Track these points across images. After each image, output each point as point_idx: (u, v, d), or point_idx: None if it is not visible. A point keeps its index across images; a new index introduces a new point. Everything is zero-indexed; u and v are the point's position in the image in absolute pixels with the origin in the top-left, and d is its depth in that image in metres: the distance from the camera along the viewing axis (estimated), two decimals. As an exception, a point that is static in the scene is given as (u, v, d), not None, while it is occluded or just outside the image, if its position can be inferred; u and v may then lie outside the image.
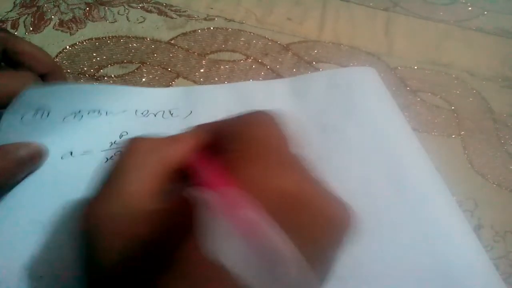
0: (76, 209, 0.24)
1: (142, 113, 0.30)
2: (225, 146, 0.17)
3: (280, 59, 0.38)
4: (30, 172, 0.25)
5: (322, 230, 0.15)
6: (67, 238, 0.23)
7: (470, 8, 0.49)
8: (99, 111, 0.28)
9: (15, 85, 0.24)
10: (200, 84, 0.35)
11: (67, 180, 0.25)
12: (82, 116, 0.27)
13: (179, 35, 0.39)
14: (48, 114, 0.25)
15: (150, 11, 0.41)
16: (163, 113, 0.30)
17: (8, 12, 0.38)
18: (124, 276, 0.15)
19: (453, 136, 0.35)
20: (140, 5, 0.41)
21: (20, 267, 0.22)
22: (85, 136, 0.27)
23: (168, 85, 0.34)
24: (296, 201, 0.15)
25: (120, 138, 0.28)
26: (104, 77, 0.34)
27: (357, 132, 0.30)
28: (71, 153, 0.26)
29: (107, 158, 0.27)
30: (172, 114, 0.30)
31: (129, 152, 0.18)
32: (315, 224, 0.14)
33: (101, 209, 0.17)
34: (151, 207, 0.16)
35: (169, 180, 0.18)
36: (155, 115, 0.30)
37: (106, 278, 0.16)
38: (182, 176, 0.18)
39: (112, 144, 0.27)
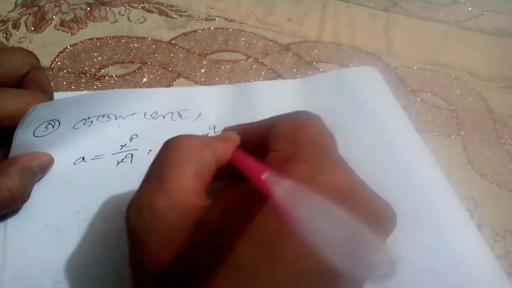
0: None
1: (151, 115, 0.30)
2: (274, 146, 0.17)
3: (280, 59, 0.38)
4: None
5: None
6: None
7: (470, 8, 0.49)
8: (108, 115, 0.28)
9: (25, 103, 0.24)
10: (201, 84, 0.35)
11: (80, 184, 0.25)
12: (91, 122, 0.27)
13: (179, 35, 0.39)
14: (59, 124, 0.25)
15: (151, 11, 0.41)
16: (172, 115, 0.30)
17: (9, 12, 0.39)
18: (172, 271, 0.15)
19: (453, 136, 0.35)
20: (141, 5, 0.41)
21: (36, 272, 0.22)
22: (95, 141, 0.27)
23: (169, 85, 0.35)
24: (349, 199, 0.15)
25: (130, 141, 0.28)
26: (105, 77, 0.34)
27: (364, 131, 0.30)
28: (83, 158, 0.26)
29: (118, 162, 0.27)
30: (181, 116, 0.30)
31: (174, 149, 0.18)
32: (365, 222, 0.15)
33: (149, 204, 0.17)
34: (199, 203, 0.17)
35: (212, 178, 0.18)
36: (164, 117, 0.30)
37: (153, 275, 0.16)
38: (223, 174, 0.19)
39: (122, 147, 0.27)
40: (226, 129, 0.22)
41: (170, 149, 0.19)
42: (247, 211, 0.14)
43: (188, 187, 0.17)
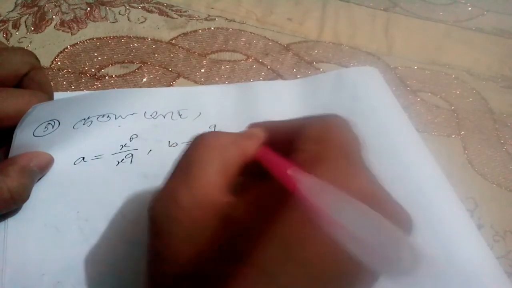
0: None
1: (151, 115, 0.30)
2: (301, 145, 0.18)
3: (280, 59, 0.38)
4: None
5: None
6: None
7: (470, 8, 0.49)
8: (108, 115, 0.28)
9: (26, 103, 0.24)
10: (201, 84, 0.35)
11: (80, 184, 0.25)
12: (91, 121, 0.27)
13: (179, 35, 0.39)
14: (59, 124, 0.25)
15: (151, 11, 0.41)
16: (172, 114, 0.30)
17: (9, 12, 0.39)
18: (193, 264, 0.15)
19: (453, 136, 0.35)
20: (141, 5, 0.41)
21: (36, 272, 0.22)
22: (95, 141, 0.27)
23: (169, 85, 0.35)
24: (373, 202, 0.15)
25: (130, 141, 0.28)
26: (105, 77, 0.34)
27: (364, 131, 0.30)
28: (83, 158, 0.26)
29: (118, 161, 0.27)
30: (181, 115, 0.30)
31: (201, 146, 0.19)
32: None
33: (175, 198, 0.17)
34: (223, 199, 0.17)
35: (237, 175, 0.19)
36: (164, 117, 0.30)
37: (173, 268, 0.16)
38: (248, 171, 0.19)
39: (122, 147, 0.28)
40: (252, 126, 0.22)
41: (197, 146, 0.19)
42: (270, 210, 0.15)
43: (213, 184, 0.17)
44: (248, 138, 0.20)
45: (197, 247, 0.16)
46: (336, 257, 0.13)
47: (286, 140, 0.19)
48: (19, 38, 0.36)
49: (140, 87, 0.34)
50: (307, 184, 0.14)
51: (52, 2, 0.40)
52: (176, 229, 0.16)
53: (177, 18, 0.41)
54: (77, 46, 0.36)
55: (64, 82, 0.33)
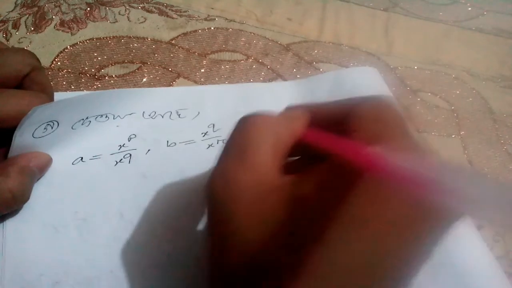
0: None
1: (150, 115, 0.30)
2: (358, 125, 0.17)
3: (280, 59, 0.38)
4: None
5: None
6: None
7: (469, 8, 0.49)
8: (106, 115, 0.28)
9: (26, 104, 0.24)
10: (201, 84, 0.35)
11: (78, 184, 0.25)
12: (90, 122, 0.27)
13: (179, 35, 0.39)
14: (58, 125, 0.25)
15: (151, 11, 0.41)
16: (170, 114, 0.30)
17: (9, 12, 0.39)
18: (260, 243, 0.15)
19: (453, 136, 0.35)
20: (141, 5, 0.41)
21: (34, 273, 0.22)
22: (94, 141, 0.27)
23: (169, 85, 0.35)
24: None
25: (128, 141, 0.28)
26: (105, 77, 0.34)
27: None
28: (82, 159, 0.26)
29: (116, 162, 0.27)
30: (179, 115, 0.30)
31: (251, 126, 0.18)
32: None
33: (234, 177, 0.17)
34: (281, 178, 0.17)
35: (286, 155, 0.18)
36: (162, 116, 0.30)
37: (239, 247, 0.15)
38: (294, 151, 0.19)
39: (121, 147, 0.28)
40: (291, 108, 0.21)
41: (247, 126, 0.19)
42: (339, 188, 0.14)
43: (269, 163, 0.17)
44: (295, 119, 0.20)
45: (262, 227, 0.15)
46: (413, 227, 0.13)
47: (330, 122, 0.18)
48: (19, 38, 0.36)
49: (140, 87, 0.34)
50: (391, 157, 0.14)
51: (52, 2, 0.40)
52: (240, 210, 0.16)
53: (177, 18, 0.41)
54: (77, 46, 0.36)
55: (64, 82, 0.33)
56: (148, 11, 0.41)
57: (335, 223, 0.14)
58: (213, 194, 0.17)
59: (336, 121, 0.18)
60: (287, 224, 0.15)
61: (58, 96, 0.28)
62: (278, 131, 0.19)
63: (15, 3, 0.39)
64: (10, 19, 0.38)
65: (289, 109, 0.21)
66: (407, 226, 0.13)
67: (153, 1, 0.42)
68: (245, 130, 0.18)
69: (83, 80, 0.34)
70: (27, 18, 0.38)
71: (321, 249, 0.13)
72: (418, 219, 0.13)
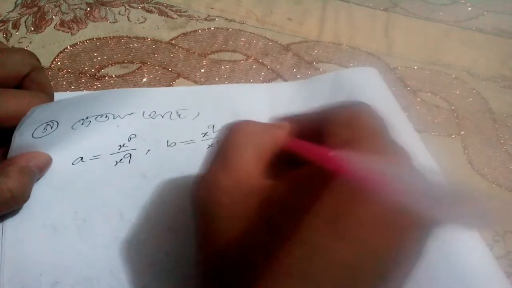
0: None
1: (150, 115, 0.30)
2: (332, 131, 0.18)
3: (280, 59, 0.38)
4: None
5: None
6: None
7: (470, 8, 0.49)
8: (106, 115, 0.28)
9: (27, 104, 0.24)
10: (201, 84, 0.35)
11: (78, 184, 0.25)
12: (90, 121, 0.27)
13: (179, 35, 0.39)
14: (58, 125, 0.25)
15: (151, 11, 0.41)
16: (170, 114, 0.30)
17: (9, 12, 0.39)
18: (236, 243, 0.16)
19: (453, 136, 0.35)
20: (141, 6, 0.41)
21: (34, 272, 0.22)
22: (94, 141, 0.27)
23: (169, 85, 0.35)
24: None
25: (128, 141, 0.28)
26: (105, 77, 0.34)
27: None
28: (82, 159, 0.26)
29: (116, 162, 0.27)
30: (179, 115, 0.30)
31: (236, 132, 0.20)
32: None
33: (215, 181, 0.18)
34: (261, 182, 0.18)
35: (270, 163, 0.19)
36: (162, 116, 0.30)
37: (218, 247, 0.17)
38: (277, 162, 0.20)
39: (121, 147, 0.28)
40: (276, 119, 0.22)
41: (232, 132, 0.20)
42: (313, 190, 0.15)
43: (250, 167, 0.18)
44: (278, 128, 0.21)
45: (241, 226, 0.16)
46: (384, 229, 0.14)
47: (312, 130, 0.19)
48: (19, 38, 0.36)
49: (140, 87, 0.34)
50: (354, 159, 0.14)
51: (52, 2, 0.40)
52: (220, 211, 0.17)
53: (177, 18, 0.41)
54: (77, 46, 0.36)
55: (64, 82, 0.33)
56: (148, 11, 0.41)
57: (304, 222, 0.14)
58: (197, 196, 0.19)
59: (319, 129, 0.19)
60: (265, 224, 0.16)
61: (58, 96, 0.28)
62: (261, 138, 0.20)
63: (15, 3, 0.39)
64: (10, 19, 0.38)
65: (273, 119, 0.23)
66: (381, 224, 0.14)
67: (153, 1, 0.42)
68: (229, 136, 0.20)
69: (83, 80, 0.34)
70: (27, 18, 0.38)
71: (292, 247, 0.14)
72: (394, 220, 0.14)
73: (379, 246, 0.14)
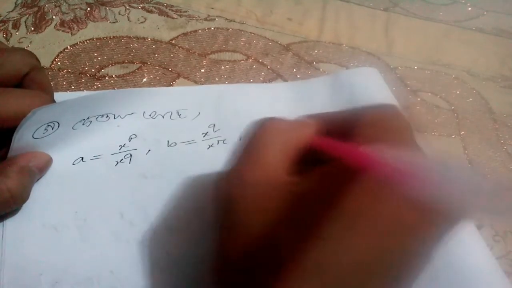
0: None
1: (150, 115, 0.30)
2: (357, 131, 0.19)
3: (280, 59, 0.38)
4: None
5: None
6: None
7: (470, 9, 0.49)
8: (107, 115, 0.28)
9: (27, 104, 0.24)
10: (201, 84, 0.35)
11: (79, 184, 0.25)
12: (90, 122, 0.27)
13: (179, 35, 0.39)
14: (58, 126, 0.25)
15: (151, 11, 0.41)
16: (170, 114, 0.30)
17: (9, 12, 0.39)
18: (259, 236, 0.16)
19: (453, 136, 0.35)
20: (141, 6, 0.41)
21: (34, 272, 0.22)
22: (94, 141, 0.27)
23: (169, 85, 0.35)
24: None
25: (129, 141, 0.28)
26: (105, 77, 0.34)
27: None
28: (82, 159, 0.26)
29: (117, 162, 0.27)
30: (180, 115, 0.30)
31: (263, 129, 0.20)
32: None
33: (241, 177, 0.18)
34: (286, 178, 0.18)
35: (296, 160, 0.20)
36: (163, 116, 0.30)
37: (241, 238, 0.17)
38: (303, 160, 0.20)
39: (121, 147, 0.28)
40: (304, 116, 0.23)
41: (260, 129, 0.20)
42: (338, 186, 0.15)
43: (275, 163, 0.19)
44: (305, 126, 0.21)
45: (266, 221, 0.17)
46: (403, 229, 0.14)
47: (338, 130, 0.19)
48: (19, 38, 0.36)
49: (140, 87, 0.34)
50: (384, 153, 0.15)
51: (52, 2, 0.40)
52: (245, 206, 0.17)
53: (177, 18, 0.41)
54: (77, 46, 0.36)
55: (64, 82, 0.33)
56: (148, 11, 0.41)
57: (329, 217, 0.15)
58: (222, 191, 0.19)
59: (346, 129, 0.19)
60: (289, 219, 0.16)
61: (58, 96, 0.28)
62: (288, 135, 0.20)
63: (15, 3, 0.39)
64: (10, 19, 0.38)
65: (302, 117, 0.23)
66: (403, 224, 0.14)
67: (153, 1, 0.42)
68: (257, 132, 0.20)
69: (83, 80, 0.34)
70: (27, 18, 0.38)
71: (316, 242, 0.14)
72: (416, 219, 0.14)
73: (397, 246, 0.14)
